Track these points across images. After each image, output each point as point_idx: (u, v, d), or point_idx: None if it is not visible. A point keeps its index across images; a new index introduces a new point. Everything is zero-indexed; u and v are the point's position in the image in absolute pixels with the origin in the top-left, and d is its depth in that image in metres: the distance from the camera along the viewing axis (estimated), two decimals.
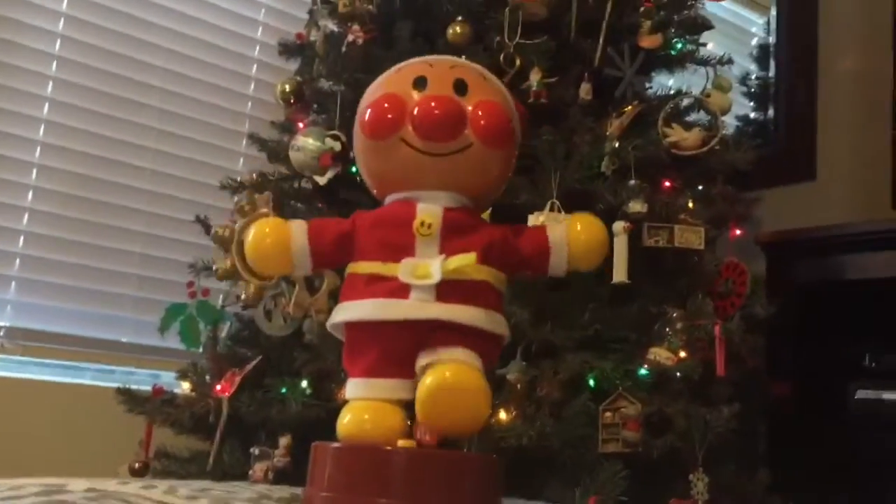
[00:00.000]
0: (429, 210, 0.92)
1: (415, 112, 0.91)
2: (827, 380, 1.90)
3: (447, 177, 0.94)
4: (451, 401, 0.85)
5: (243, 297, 1.06)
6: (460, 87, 0.95)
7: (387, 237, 0.93)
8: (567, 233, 0.99)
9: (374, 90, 0.99)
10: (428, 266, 0.90)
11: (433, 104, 0.92)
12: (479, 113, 0.93)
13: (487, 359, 0.94)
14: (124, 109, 2.16)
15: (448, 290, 0.90)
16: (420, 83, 0.95)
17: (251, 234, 0.96)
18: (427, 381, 0.85)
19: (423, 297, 0.90)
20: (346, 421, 0.89)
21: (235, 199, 1.73)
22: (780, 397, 1.90)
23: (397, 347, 0.91)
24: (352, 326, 0.93)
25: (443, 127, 0.91)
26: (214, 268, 0.98)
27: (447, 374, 0.85)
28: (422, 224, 0.91)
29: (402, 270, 0.90)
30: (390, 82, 0.98)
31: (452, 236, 0.92)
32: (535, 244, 0.99)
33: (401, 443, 0.87)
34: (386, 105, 0.93)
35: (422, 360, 0.90)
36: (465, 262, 0.90)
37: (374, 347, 0.91)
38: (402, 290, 0.90)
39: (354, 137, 1.01)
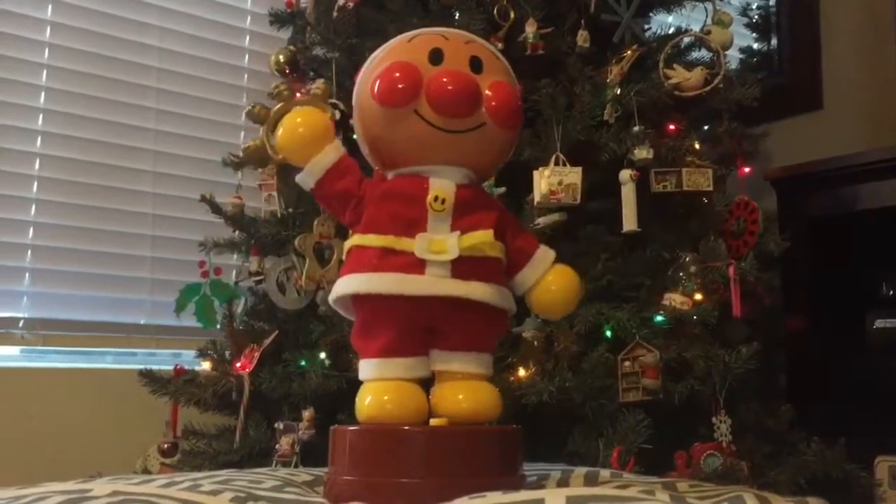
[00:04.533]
0: (442, 185, 0.91)
1: (431, 85, 0.89)
2: (845, 311, 1.89)
3: (459, 153, 0.93)
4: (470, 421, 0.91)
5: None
6: (476, 64, 0.94)
7: (398, 211, 0.91)
8: (544, 273, 0.97)
9: (384, 58, 0.95)
10: (444, 242, 0.89)
11: (451, 79, 0.90)
12: (493, 93, 0.92)
13: (497, 335, 0.97)
14: (121, 92, 2.15)
15: (463, 266, 0.90)
16: (436, 56, 0.92)
17: (297, 114, 0.95)
18: (446, 409, 0.90)
19: (439, 273, 0.89)
20: (366, 403, 0.89)
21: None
22: (799, 332, 1.90)
23: (412, 325, 0.91)
24: (364, 303, 0.92)
25: (460, 103, 0.90)
26: (243, 146, 0.97)
27: (464, 406, 0.90)
28: (435, 199, 0.90)
29: (418, 245, 0.89)
30: (402, 51, 0.95)
31: (464, 213, 0.92)
32: (522, 244, 0.98)
33: (433, 422, 0.88)
34: (398, 74, 0.90)
35: (437, 364, 0.92)
36: (482, 239, 0.90)
37: (388, 326, 0.91)
38: (417, 266, 0.89)
39: (358, 105, 0.98)
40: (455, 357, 0.92)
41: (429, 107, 0.90)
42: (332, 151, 0.94)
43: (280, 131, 0.95)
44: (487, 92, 0.92)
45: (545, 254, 0.98)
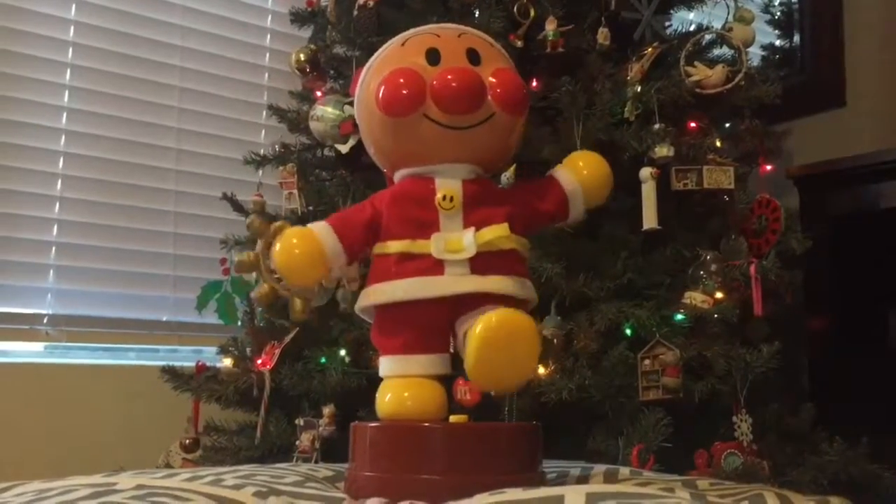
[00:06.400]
0: (448, 184, 0.92)
1: (436, 86, 0.89)
2: (867, 310, 1.87)
3: (468, 149, 0.93)
4: (504, 342, 0.82)
5: (254, 294, 1.03)
6: (473, 56, 0.94)
7: (410, 214, 0.92)
8: (575, 175, 1.00)
9: (382, 66, 0.95)
10: (459, 240, 0.90)
11: (454, 76, 0.90)
12: (497, 80, 0.92)
13: None
14: (144, 90, 2.16)
15: (481, 261, 0.90)
16: (433, 56, 0.93)
17: (278, 250, 0.93)
18: (477, 328, 0.82)
19: (458, 271, 0.90)
20: (386, 400, 0.90)
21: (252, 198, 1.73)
22: (821, 331, 1.89)
23: (432, 323, 0.91)
24: (384, 307, 0.93)
25: (467, 99, 0.90)
26: (254, 294, 0.97)
27: (494, 318, 0.82)
28: (444, 198, 0.91)
29: (435, 246, 0.90)
30: (397, 57, 0.95)
31: (474, 208, 0.92)
32: (553, 199, 0.99)
33: (453, 419, 0.88)
34: (402, 80, 0.90)
35: (463, 326, 0.90)
36: (498, 233, 0.90)
37: (409, 325, 0.91)
38: (436, 267, 0.90)
39: (362, 113, 0.99)
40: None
41: (437, 108, 0.90)
42: (323, 230, 0.93)
43: (277, 250, 0.93)
44: (491, 79, 0.92)
45: (574, 187, 0.99)
